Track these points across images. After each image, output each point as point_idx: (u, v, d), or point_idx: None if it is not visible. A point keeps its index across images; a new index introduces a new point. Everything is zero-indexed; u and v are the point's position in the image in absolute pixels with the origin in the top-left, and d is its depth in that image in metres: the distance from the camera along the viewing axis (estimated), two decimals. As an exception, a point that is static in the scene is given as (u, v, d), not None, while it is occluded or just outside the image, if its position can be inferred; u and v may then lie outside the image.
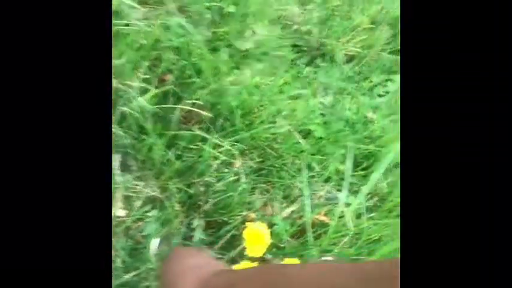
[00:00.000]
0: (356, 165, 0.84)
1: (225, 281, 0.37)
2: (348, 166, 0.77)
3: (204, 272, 0.39)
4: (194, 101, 0.65)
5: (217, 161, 0.62)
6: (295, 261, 0.54)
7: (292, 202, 0.72)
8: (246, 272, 0.40)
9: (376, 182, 0.75)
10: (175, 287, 0.39)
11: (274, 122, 0.79)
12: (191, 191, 0.60)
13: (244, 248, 0.53)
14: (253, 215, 0.58)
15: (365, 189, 0.71)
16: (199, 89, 0.66)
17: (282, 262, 0.55)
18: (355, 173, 0.81)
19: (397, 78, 1.11)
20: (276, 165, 0.74)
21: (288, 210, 0.70)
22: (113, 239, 0.53)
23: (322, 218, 0.67)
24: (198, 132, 0.64)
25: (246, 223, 0.54)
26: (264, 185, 0.71)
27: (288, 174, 0.74)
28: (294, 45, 0.98)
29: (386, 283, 0.28)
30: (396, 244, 0.69)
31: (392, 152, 0.79)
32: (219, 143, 0.66)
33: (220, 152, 0.64)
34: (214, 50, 0.76)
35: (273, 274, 0.35)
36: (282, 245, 0.63)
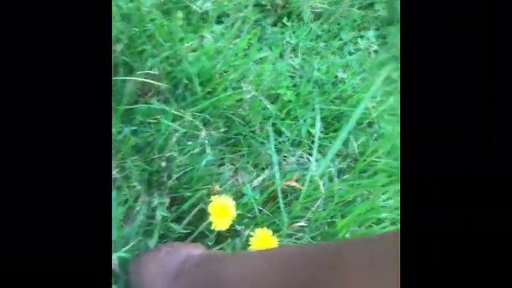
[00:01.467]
0: (327, 127, 0.81)
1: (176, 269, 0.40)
2: (317, 129, 0.75)
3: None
4: (148, 71, 0.60)
5: (177, 134, 0.58)
6: (265, 232, 0.53)
7: (263, 170, 0.70)
8: (194, 259, 0.42)
9: (342, 142, 0.73)
10: None
11: (239, 88, 0.75)
12: (152, 168, 0.57)
13: (210, 223, 0.51)
14: (218, 188, 0.55)
15: (332, 150, 0.69)
16: (151, 57, 0.61)
17: (252, 233, 0.53)
18: (327, 135, 0.79)
19: (368, 34, 1.08)
20: (244, 133, 0.71)
21: (259, 179, 0.67)
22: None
23: (293, 183, 0.65)
24: (155, 104, 0.60)
25: (212, 197, 0.52)
26: (232, 155, 0.68)
27: (256, 141, 0.71)
28: (257, 5, 0.93)
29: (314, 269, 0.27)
30: (370, 204, 0.68)
31: (359, 112, 0.77)
32: (180, 114, 0.62)
33: (180, 125, 0.60)
34: (167, 13, 0.71)
35: (215, 264, 0.38)
36: (253, 215, 0.61)
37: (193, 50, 0.71)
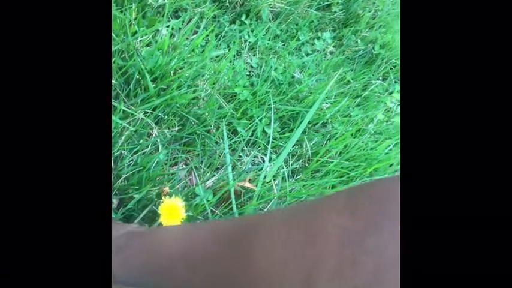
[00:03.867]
0: (283, 127, 0.82)
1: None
2: (272, 129, 0.75)
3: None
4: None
5: (127, 132, 0.56)
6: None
7: (217, 170, 0.69)
8: (136, 232, 0.42)
9: (294, 143, 0.74)
10: None
11: (195, 86, 0.74)
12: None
13: (160, 224, 0.49)
14: (168, 189, 0.54)
15: (284, 151, 0.70)
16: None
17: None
18: (283, 135, 0.80)
19: (324, 35, 1.10)
20: (198, 132, 0.69)
21: (212, 179, 0.67)
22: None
23: (247, 184, 0.65)
24: (104, 100, 0.57)
25: (162, 197, 0.51)
26: (184, 155, 0.66)
27: (211, 141, 0.70)
28: (215, 1, 0.91)
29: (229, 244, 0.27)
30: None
31: (311, 112, 0.78)
32: (131, 111, 0.60)
33: (130, 122, 0.58)
34: (121, 5, 0.68)
35: (153, 236, 0.37)
36: (205, 217, 0.60)
37: (147, 45, 0.69)
